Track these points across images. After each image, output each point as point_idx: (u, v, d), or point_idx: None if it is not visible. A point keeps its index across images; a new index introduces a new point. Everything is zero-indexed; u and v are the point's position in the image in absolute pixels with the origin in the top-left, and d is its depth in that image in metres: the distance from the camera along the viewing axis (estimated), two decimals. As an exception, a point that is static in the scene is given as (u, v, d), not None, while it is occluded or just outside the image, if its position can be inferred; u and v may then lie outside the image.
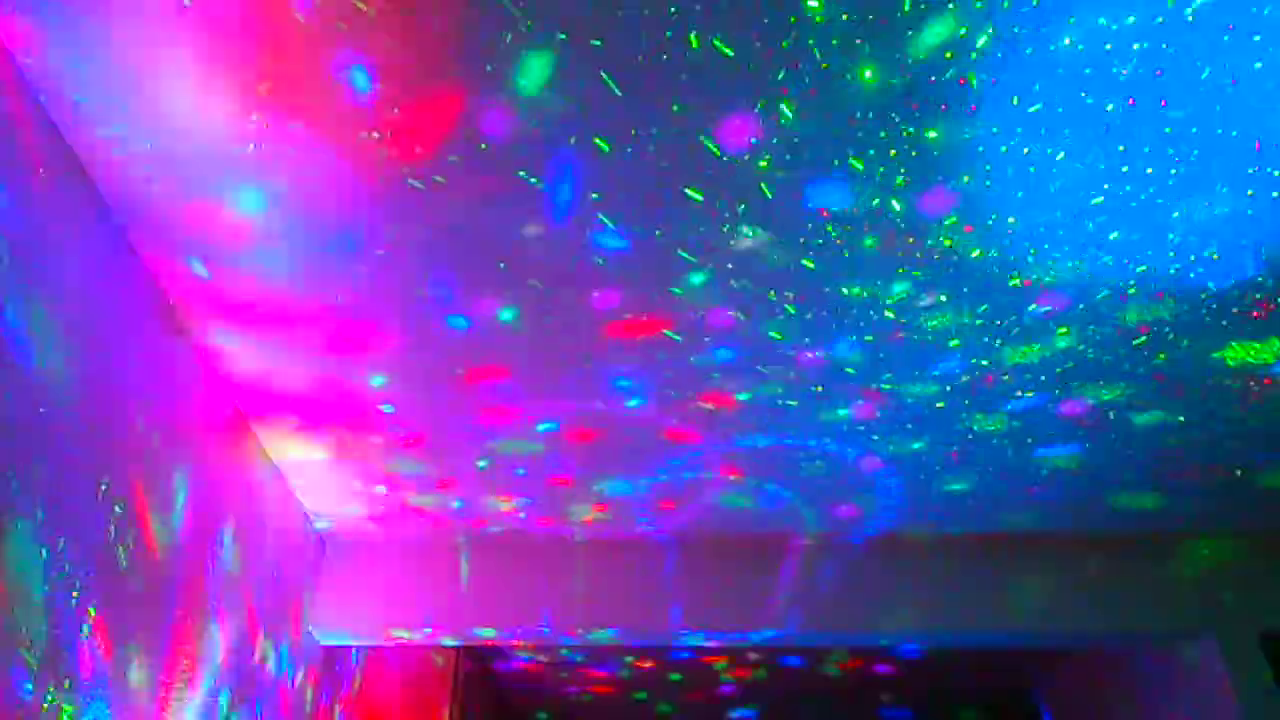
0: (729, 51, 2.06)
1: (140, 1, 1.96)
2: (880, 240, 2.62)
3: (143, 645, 2.78)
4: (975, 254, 2.67)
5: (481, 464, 4.00)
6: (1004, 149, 2.32)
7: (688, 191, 2.46)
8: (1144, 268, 2.72)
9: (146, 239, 2.65)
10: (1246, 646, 4.45)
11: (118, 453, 2.65)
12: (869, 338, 3.07)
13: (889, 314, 2.95)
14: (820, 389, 3.39)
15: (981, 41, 2.04)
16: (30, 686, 2.15)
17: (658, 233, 2.60)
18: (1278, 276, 2.75)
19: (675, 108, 2.21)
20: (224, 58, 2.09)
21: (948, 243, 2.63)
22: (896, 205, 2.49)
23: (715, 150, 2.32)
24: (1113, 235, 2.59)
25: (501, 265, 2.74)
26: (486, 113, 2.23)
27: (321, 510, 4.52)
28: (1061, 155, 2.34)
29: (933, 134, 2.27)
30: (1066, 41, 2.04)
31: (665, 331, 3.06)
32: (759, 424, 3.64)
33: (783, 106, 2.19)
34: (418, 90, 2.17)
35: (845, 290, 2.84)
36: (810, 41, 2.04)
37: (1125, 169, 2.38)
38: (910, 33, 2.02)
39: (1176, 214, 2.52)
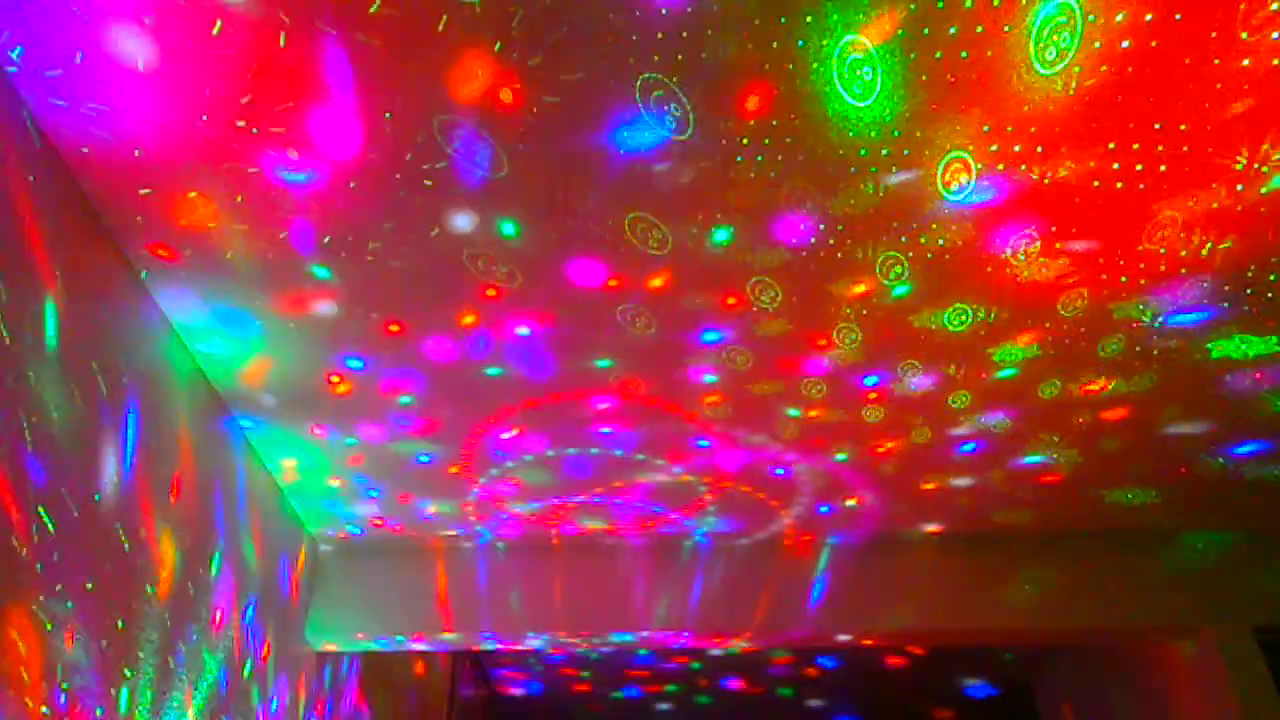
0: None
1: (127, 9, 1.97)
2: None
3: (137, 655, 2.77)
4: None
5: (488, 473, 4.00)
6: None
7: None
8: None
9: (133, 242, 2.65)
10: (1243, 641, 4.46)
11: (114, 456, 2.64)
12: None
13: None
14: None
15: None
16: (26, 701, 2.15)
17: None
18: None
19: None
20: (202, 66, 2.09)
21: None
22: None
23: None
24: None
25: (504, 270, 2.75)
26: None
27: (315, 516, 4.51)
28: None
29: None
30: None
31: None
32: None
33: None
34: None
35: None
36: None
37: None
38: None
39: (1167, 211, 2.54)
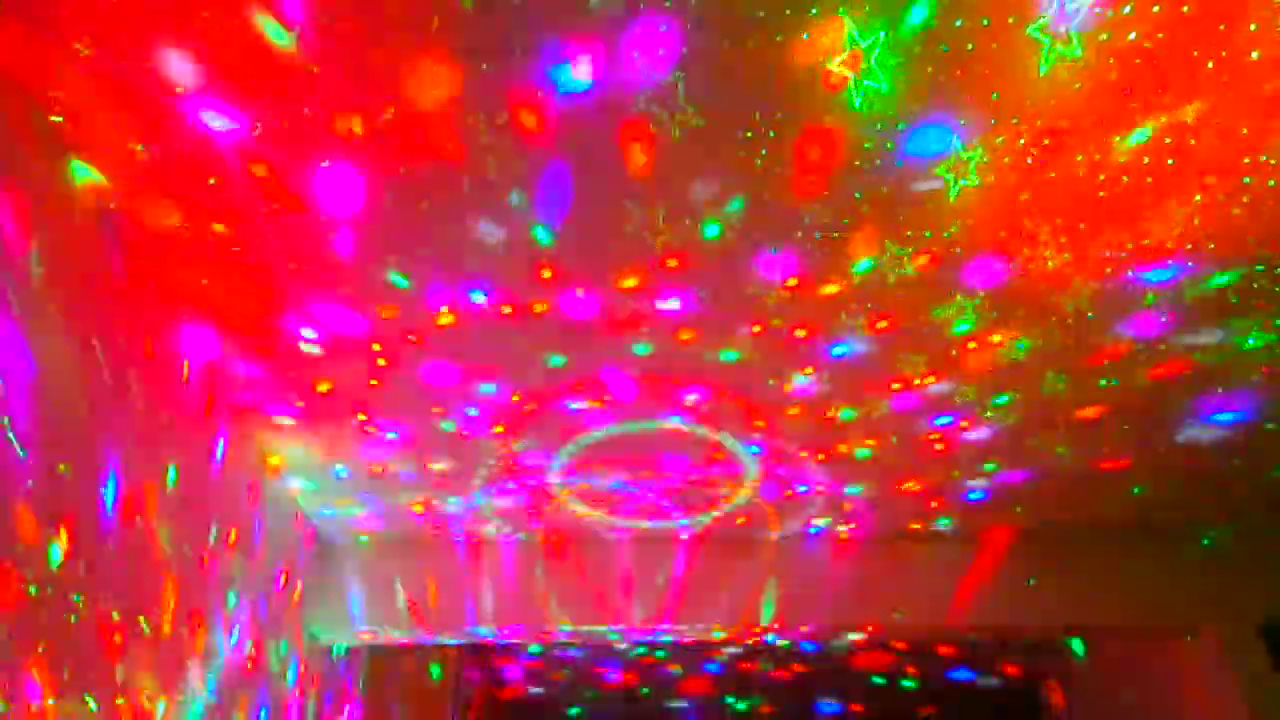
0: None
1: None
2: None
3: (140, 649, 2.77)
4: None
5: (483, 466, 4.01)
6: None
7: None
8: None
9: (136, 243, 2.65)
10: (1247, 637, 4.46)
11: (109, 452, 2.65)
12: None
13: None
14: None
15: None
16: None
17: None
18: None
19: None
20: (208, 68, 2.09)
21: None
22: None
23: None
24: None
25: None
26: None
27: (320, 511, 4.52)
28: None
29: None
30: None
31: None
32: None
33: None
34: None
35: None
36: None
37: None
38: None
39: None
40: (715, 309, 2.98)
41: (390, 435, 3.77)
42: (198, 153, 2.35)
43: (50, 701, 2.23)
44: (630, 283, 2.84)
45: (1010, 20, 2.03)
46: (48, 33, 2.04)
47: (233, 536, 3.54)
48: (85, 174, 2.41)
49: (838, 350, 3.19)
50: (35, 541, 2.21)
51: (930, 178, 2.44)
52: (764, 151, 2.36)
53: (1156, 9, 2.00)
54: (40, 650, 2.20)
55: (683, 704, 8.78)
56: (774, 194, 2.49)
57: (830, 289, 2.88)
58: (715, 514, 4.55)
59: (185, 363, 3.12)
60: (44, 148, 2.27)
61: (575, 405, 3.56)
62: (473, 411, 3.59)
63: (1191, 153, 2.37)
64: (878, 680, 8.06)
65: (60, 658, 2.29)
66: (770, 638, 4.81)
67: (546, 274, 2.80)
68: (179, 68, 2.12)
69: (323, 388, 3.39)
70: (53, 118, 2.25)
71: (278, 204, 2.52)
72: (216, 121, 2.25)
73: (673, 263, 2.76)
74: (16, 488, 2.14)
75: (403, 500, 4.40)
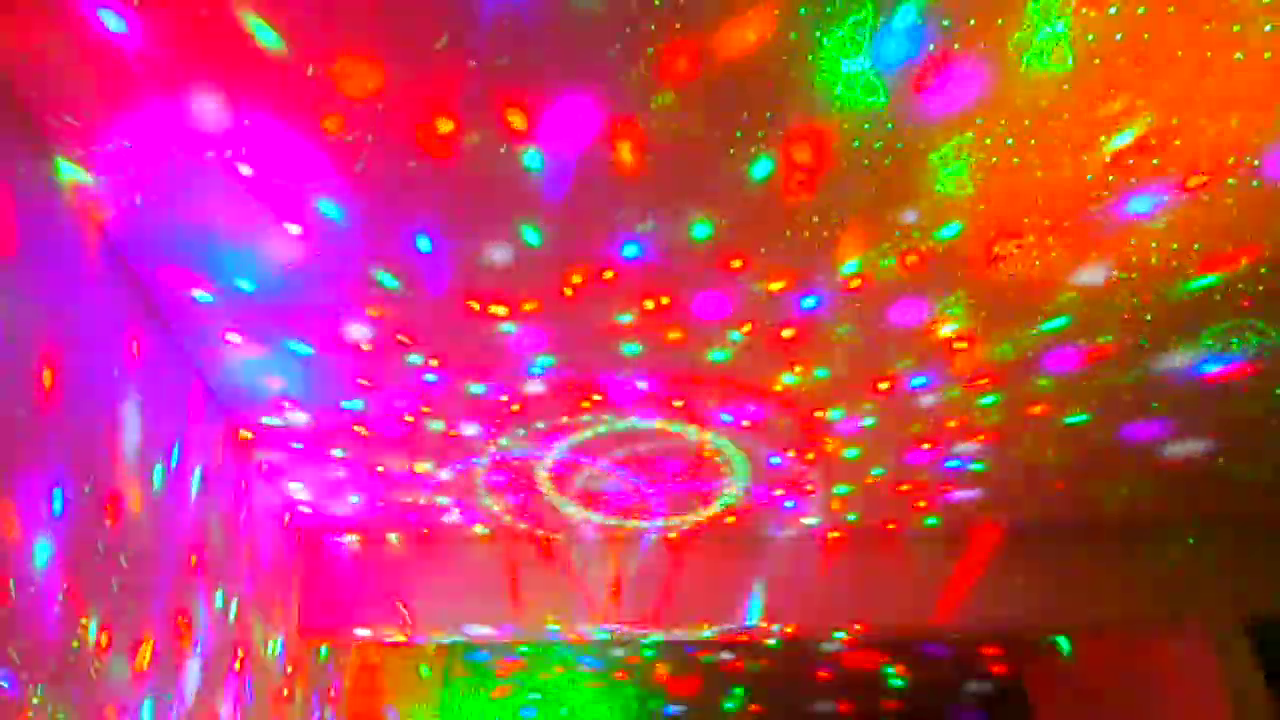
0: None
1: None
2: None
3: (132, 643, 2.76)
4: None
5: (477, 463, 4.00)
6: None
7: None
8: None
9: (143, 254, 2.64)
10: (1232, 632, 4.49)
11: (105, 450, 2.63)
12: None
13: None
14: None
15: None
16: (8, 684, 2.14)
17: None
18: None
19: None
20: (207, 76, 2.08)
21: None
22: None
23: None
24: (1097, 226, 2.62)
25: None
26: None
27: (311, 508, 4.50)
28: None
29: None
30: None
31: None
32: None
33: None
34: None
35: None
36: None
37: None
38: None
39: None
40: (702, 309, 2.98)
41: (383, 434, 3.76)
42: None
43: (34, 701, 2.21)
44: (603, 276, 2.84)
45: (999, 23, 2.03)
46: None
47: (223, 533, 3.52)
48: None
49: (828, 350, 3.20)
50: (20, 540, 2.19)
51: (918, 177, 2.45)
52: (752, 150, 2.35)
53: (1142, 10, 2.01)
54: (24, 648, 2.18)
55: (672, 703, 8.79)
56: (766, 194, 2.50)
57: (819, 288, 2.88)
58: (703, 513, 4.55)
59: (182, 361, 3.10)
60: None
61: (565, 404, 3.55)
62: (463, 412, 3.58)
63: (1178, 155, 2.38)
64: (866, 677, 8.09)
65: (45, 656, 2.27)
66: (754, 628, 4.81)
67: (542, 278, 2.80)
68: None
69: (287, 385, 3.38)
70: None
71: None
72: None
73: (653, 261, 2.76)
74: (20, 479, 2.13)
75: (394, 499, 4.39)
